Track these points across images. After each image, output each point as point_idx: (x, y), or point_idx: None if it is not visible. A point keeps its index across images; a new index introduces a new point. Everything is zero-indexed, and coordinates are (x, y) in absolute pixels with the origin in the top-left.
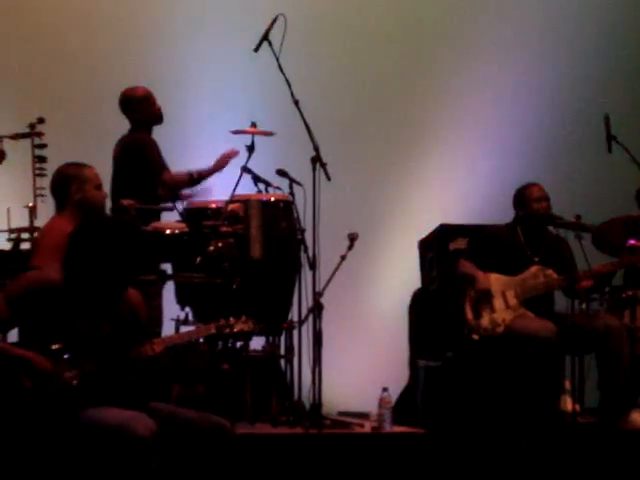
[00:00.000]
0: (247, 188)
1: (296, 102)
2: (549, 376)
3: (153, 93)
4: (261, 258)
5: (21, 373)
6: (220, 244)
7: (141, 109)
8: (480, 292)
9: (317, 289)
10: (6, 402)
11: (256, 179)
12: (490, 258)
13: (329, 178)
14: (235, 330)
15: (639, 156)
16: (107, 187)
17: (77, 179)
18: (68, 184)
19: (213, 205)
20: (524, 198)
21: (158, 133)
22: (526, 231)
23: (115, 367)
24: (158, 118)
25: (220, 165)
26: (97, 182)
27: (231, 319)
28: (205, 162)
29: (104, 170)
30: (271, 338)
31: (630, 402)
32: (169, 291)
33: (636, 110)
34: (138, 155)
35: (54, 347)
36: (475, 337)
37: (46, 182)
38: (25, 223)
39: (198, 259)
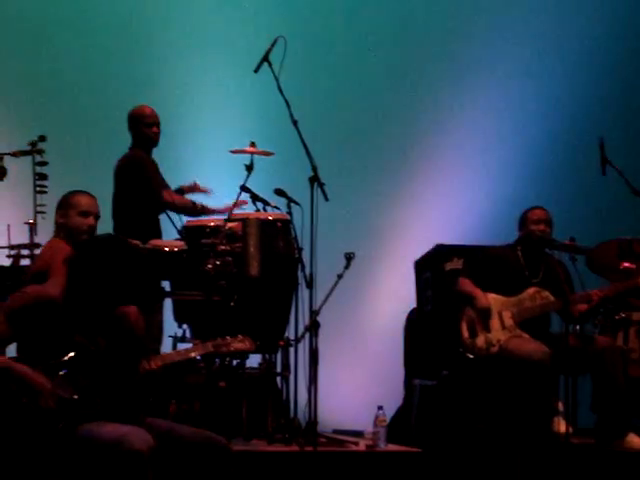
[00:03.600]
0: (246, 207)
1: (295, 122)
2: (542, 397)
3: (156, 116)
4: (259, 276)
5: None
6: (218, 262)
7: (137, 127)
8: (480, 310)
9: (314, 307)
10: (4, 416)
11: (254, 198)
12: (488, 277)
13: (327, 198)
14: (232, 349)
15: (632, 179)
16: (109, 205)
17: (63, 205)
18: (57, 209)
19: (212, 223)
20: (524, 220)
21: (158, 152)
22: (526, 252)
23: (112, 382)
24: (150, 140)
25: (226, 210)
26: (84, 209)
27: (228, 338)
28: (204, 181)
29: (105, 188)
30: (267, 356)
31: (626, 423)
32: (167, 308)
33: (630, 133)
34: (135, 174)
35: (67, 357)
36: (470, 356)
37: (46, 199)
38: (25, 239)
39: (196, 279)
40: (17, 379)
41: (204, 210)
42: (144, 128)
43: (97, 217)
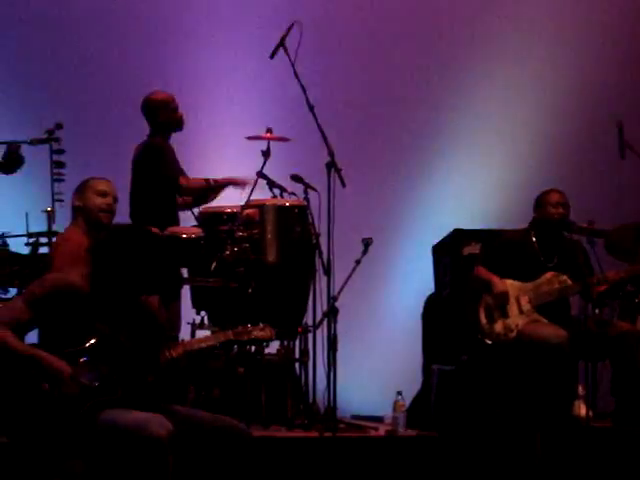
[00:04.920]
0: (262, 193)
1: (311, 108)
2: (562, 381)
3: (176, 100)
4: (276, 263)
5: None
6: (236, 249)
7: (161, 113)
8: (497, 296)
9: (332, 293)
10: (26, 403)
11: (271, 184)
12: (504, 264)
13: (344, 184)
14: (253, 336)
15: None
16: (125, 193)
17: (80, 189)
18: (74, 195)
19: (229, 210)
20: (542, 202)
21: (174, 139)
22: (540, 236)
23: (132, 369)
24: (177, 124)
25: (233, 182)
26: (102, 189)
27: (249, 326)
28: (220, 168)
29: (122, 175)
30: (286, 342)
31: None
32: (184, 295)
33: None
34: (153, 161)
35: (88, 344)
36: (488, 342)
37: (64, 187)
38: (43, 227)
39: (213, 265)
40: (38, 365)
41: (217, 183)
42: (171, 113)
43: (115, 200)
